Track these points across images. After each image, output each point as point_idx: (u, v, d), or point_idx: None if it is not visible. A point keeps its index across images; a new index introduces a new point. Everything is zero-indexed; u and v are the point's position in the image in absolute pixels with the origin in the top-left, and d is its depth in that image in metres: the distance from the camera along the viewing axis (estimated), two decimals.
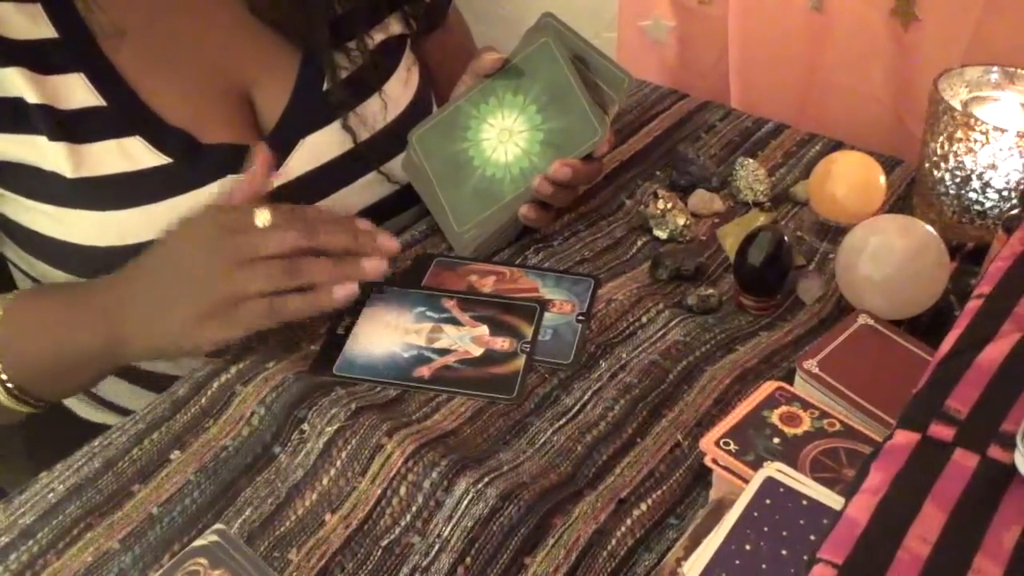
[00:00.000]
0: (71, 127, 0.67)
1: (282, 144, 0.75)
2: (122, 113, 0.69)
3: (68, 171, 0.67)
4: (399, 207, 0.84)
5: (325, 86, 0.77)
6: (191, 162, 0.71)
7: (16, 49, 0.65)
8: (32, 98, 0.66)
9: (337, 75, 0.77)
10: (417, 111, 0.83)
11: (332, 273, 0.62)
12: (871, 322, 0.62)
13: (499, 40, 0.84)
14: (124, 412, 0.73)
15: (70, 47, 0.67)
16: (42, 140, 0.66)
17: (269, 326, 0.62)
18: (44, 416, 0.87)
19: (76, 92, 0.67)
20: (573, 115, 0.74)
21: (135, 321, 0.63)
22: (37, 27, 0.66)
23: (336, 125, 0.78)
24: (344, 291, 0.62)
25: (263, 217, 0.61)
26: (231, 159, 0.72)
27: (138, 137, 0.69)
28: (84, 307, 0.65)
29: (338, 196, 0.78)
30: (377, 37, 0.82)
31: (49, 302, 0.68)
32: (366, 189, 0.80)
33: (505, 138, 0.77)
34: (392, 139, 0.81)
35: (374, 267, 0.63)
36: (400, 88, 0.83)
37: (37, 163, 0.67)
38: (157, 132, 0.70)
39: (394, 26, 0.83)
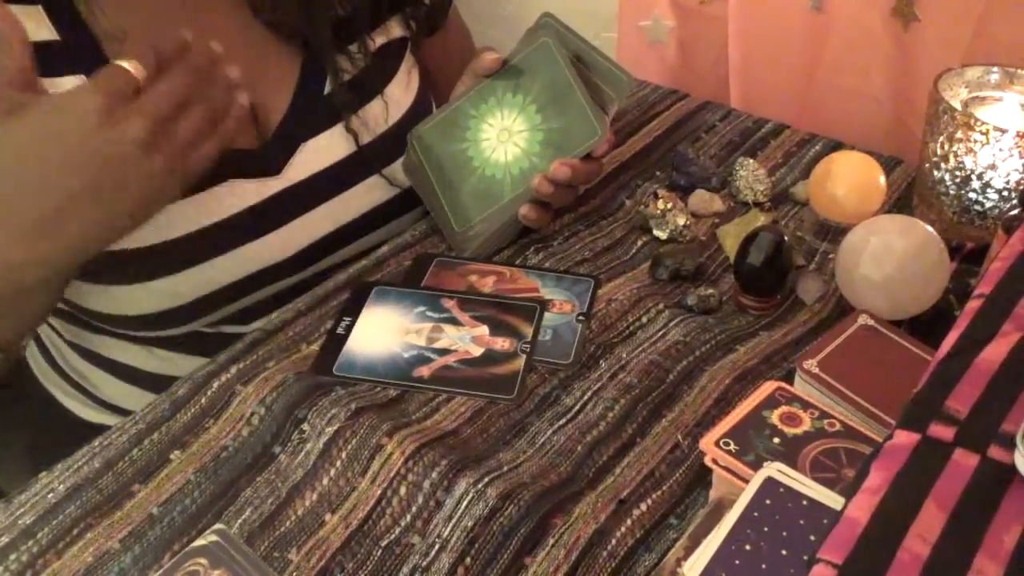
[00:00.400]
0: None
1: (284, 148, 0.75)
2: None
3: None
4: (401, 210, 0.84)
5: (326, 90, 0.77)
6: None
7: None
8: None
9: (339, 77, 0.77)
10: (418, 113, 0.83)
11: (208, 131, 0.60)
12: (871, 322, 0.62)
13: (499, 40, 0.84)
14: (124, 413, 0.73)
15: (71, 50, 0.67)
16: None
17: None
18: (44, 416, 0.88)
19: None
20: (573, 115, 0.74)
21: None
22: (38, 29, 0.66)
23: (338, 129, 0.78)
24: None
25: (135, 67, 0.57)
26: (233, 163, 0.72)
27: None
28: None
29: (340, 200, 0.78)
30: (378, 40, 0.82)
31: None
32: (368, 193, 0.80)
33: (505, 138, 0.77)
34: (394, 142, 0.81)
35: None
36: (401, 91, 0.83)
37: None
38: None
39: (395, 29, 0.83)
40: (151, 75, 0.57)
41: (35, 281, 0.60)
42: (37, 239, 0.57)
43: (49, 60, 0.66)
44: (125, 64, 0.56)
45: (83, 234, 0.58)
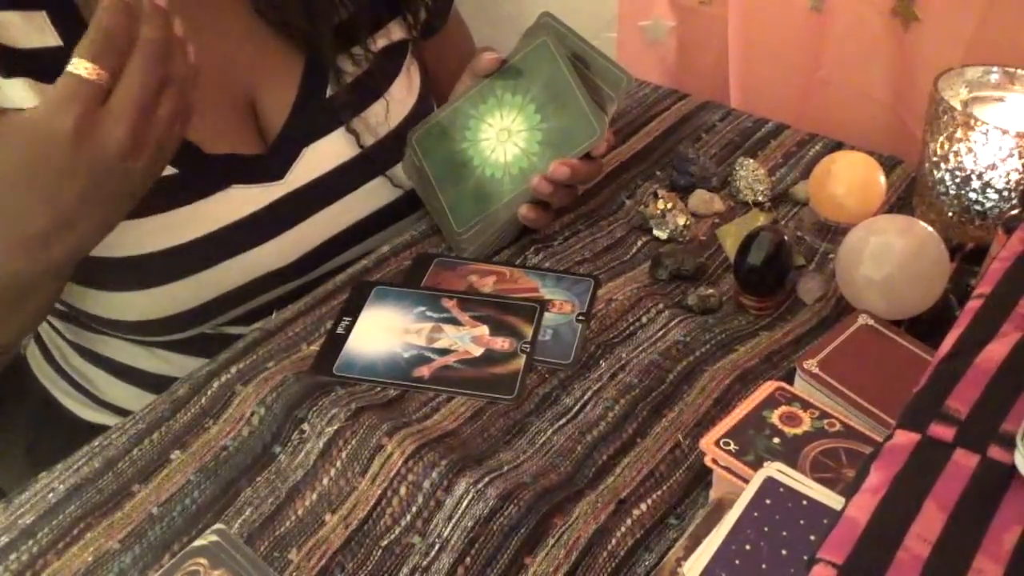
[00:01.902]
0: None
1: (286, 153, 0.75)
2: None
3: None
4: (404, 212, 0.83)
5: (328, 93, 0.77)
6: (196, 172, 0.70)
7: (20, 59, 0.65)
8: None
9: (342, 79, 0.77)
10: (420, 114, 0.83)
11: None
12: (871, 322, 0.62)
13: (499, 40, 0.84)
14: (124, 413, 0.73)
15: None
16: None
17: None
18: (44, 416, 0.88)
19: None
20: (572, 115, 0.74)
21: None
22: (42, 35, 0.66)
23: (340, 132, 0.78)
24: None
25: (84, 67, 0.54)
26: (236, 169, 0.72)
27: None
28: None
29: (343, 203, 0.78)
30: (379, 43, 0.82)
31: None
32: (371, 195, 0.80)
33: (504, 138, 0.77)
34: (397, 143, 0.80)
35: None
36: (403, 92, 0.83)
37: None
38: None
39: (395, 31, 0.83)
40: (112, 63, 0.54)
41: (36, 283, 0.61)
42: (36, 249, 0.57)
43: (53, 66, 0.66)
44: (81, 71, 0.53)
45: (79, 239, 0.58)
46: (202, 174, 0.71)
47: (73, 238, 0.58)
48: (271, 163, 0.74)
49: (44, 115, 0.54)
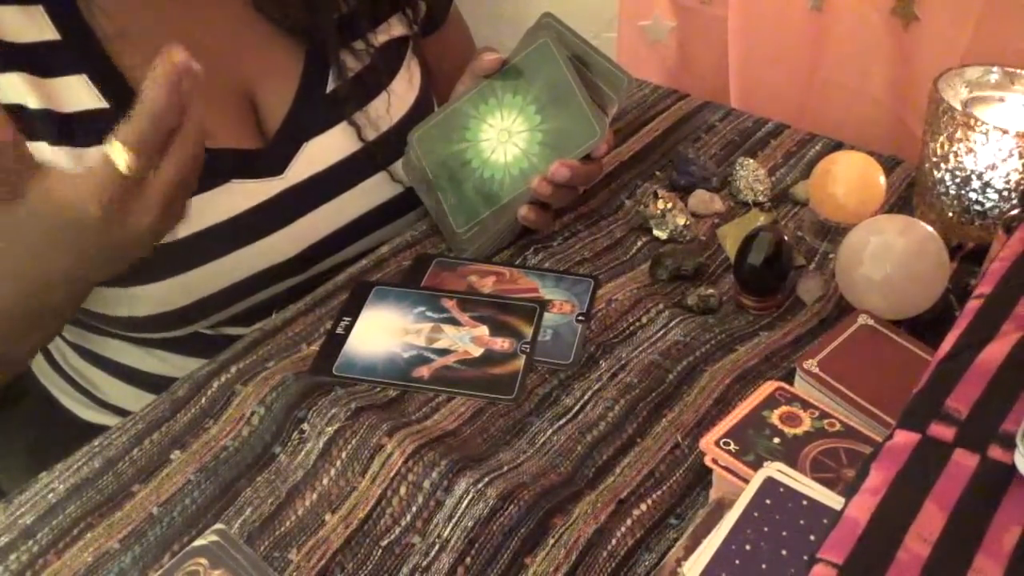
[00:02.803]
0: (72, 130, 0.67)
1: (286, 148, 0.75)
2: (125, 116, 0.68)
3: None
4: (404, 209, 0.83)
5: (328, 88, 0.77)
6: None
7: (17, 53, 0.65)
8: (33, 103, 0.65)
9: (344, 73, 0.77)
10: (421, 110, 0.83)
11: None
12: (871, 322, 0.62)
13: (499, 40, 0.84)
14: (124, 413, 0.73)
15: (72, 49, 0.67)
16: (43, 146, 0.66)
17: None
18: (44, 416, 0.88)
19: (78, 94, 0.67)
20: (572, 115, 0.74)
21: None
22: (39, 29, 0.66)
23: (340, 128, 0.78)
24: None
25: (122, 160, 0.53)
26: (235, 164, 0.72)
27: None
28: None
29: (342, 200, 0.78)
30: (380, 38, 0.82)
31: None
32: (371, 192, 0.80)
33: (504, 138, 0.77)
34: (398, 138, 0.80)
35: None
36: (405, 87, 0.83)
37: None
38: None
39: (396, 28, 0.83)
40: (153, 157, 0.54)
41: (54, 311, 0.66)
42: (54, 289, 0.62)
43: (50, 60, 0.66)
44: (121, 164, 0.52)
45: (106, 274, 0.62)
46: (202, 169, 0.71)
47: (96, 276, 0.63)
48: (271, 158, 0.74)
49: (75, 198, 0.54)
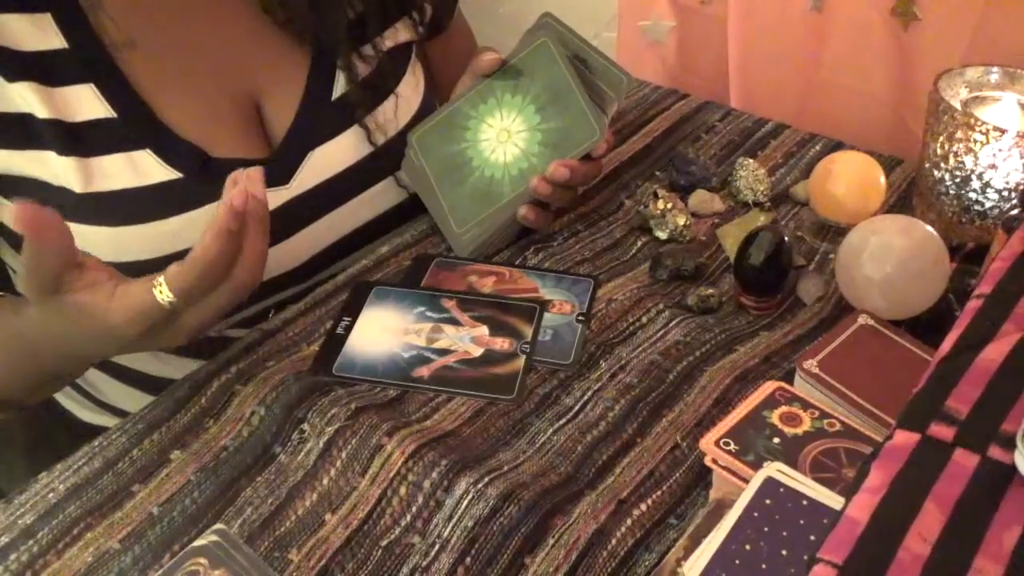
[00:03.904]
0: (80, 140, 0.66)
1: (292, 157, 0.75)
2: (132, 125, 0.68)
3: (77, 186, 0.66)
4: (408, 215, 0.83)
5: (334, 96, 0.77)
6: (201, 177, 0.70)
7: (25, 62, 0.65)
8: (41, 113, 0.65)
9: (354, 76, 0.77)
10: (425, 114, 0.83)
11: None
12: (871, 322, 0.62)
13: (499, 40, 0.84)
14: (124, 414, 0.73)
15: (80, 58, 0.66)
16: (51, 156, 0.66)
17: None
18: (44, 417, 0.88)
19: (86, 103, 0.67)
20: (572, 115, 0.74)
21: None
22: (47, 38, 0.65)
23: (346, 136, 0.77)
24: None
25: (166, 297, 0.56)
26: None
27: (148, 151, 0.68)
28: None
29: (349, 207, 0.78)
30: (387, 44, 0.82)
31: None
32: (375, 199, 0.80)
33: (504, 138, 0.77)
34: (405, 143, 0.80)
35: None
36: (411, 91, 0.83)
37: (46, 178, 0.66)
38: (167, 145, 0.69)
39: (402, 33, 0.83)
40: (197, 298, 0.56)
41: (87, 367, 0.72)
42: (90, 359, 0.67)
43: (58, 69, 0.66)
44: (164, 301, 0.55)
45: (135, 353, 0.66)
46: (207, 179, 0.70)
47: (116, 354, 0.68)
48: (276, 167, 0.74)
49: (115, 322, 0.56)
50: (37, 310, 0.58)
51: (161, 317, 0.56)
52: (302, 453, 0.60)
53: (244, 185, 0.56)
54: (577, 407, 0.63)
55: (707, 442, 0.51)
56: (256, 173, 0.57)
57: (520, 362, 0.66)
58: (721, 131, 0.94)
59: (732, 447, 0.51)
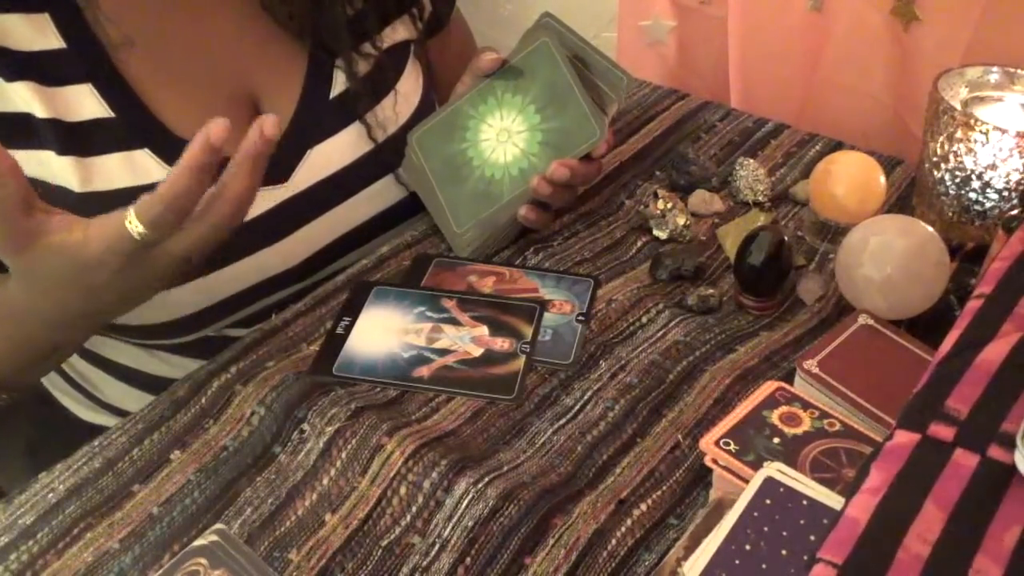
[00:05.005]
0: (79, 140, 0.66)
1: (291, 155, 0.75)
2: (130, 124, 0.68)
3: (76, 186, 0.66)
4: (407, 214, 0.83)
5: (332, 94, 0.77)
6: None
7: (23, 62, 0.65)
8: (40, 112, 0.65)
9: (355, 72, 0.77)
10: (424, 112, 0.83)
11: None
12: (871, 322, 0.62)
13: (499, 40, 0.84)
14: (124, 414, 0.73)
15: (78, 57, 0.66)
16: (50, 155, 0.66)
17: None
18: (44, 417, 0.88)
19: (84, 103, 0.67)
20: (572, 115, 0.74)
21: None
22: (45, 38, 0.65)
23: (345, 133, 0.77)
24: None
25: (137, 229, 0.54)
26: None
27: (146, 150, 0.68)
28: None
29: (348, 205, 0.78)
30: (386, 42, 0.81)
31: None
32: (374, 198, 0.80)
33: (504, 138, 0.77)
34: (405, 140, 0.80)
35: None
36: (410, 88, 0.83)
37: (45, 178, 0.66)
38: (165, 144, 0.69)
39: (400, 31, 0.83)
40: (170, 228, 0.54)
41: (69, 344, 0.68)
42: (79, 321, 0.62)
43: (57, 69, 0.66)
44: (135, 233, 0.53)
45: (122, 313, 0.63)
46: None
47: (105, 317, 0.64)
48: (275, 165, 0.74)
49: (91, 256, 0.54)
50: (15, 275, 0.57)
51: (135, 250, 0.54)
52: (302, 453, 0.60)
53: (256, 126, 0.55)
54: (577, 407, 0.63)
55: (707, 442, 0.51)
56: (273, 117, 0.56)
57: (520, 362, 0.66)
58: (721, 131, 0.94)
59: (732, 447, 0.51)
